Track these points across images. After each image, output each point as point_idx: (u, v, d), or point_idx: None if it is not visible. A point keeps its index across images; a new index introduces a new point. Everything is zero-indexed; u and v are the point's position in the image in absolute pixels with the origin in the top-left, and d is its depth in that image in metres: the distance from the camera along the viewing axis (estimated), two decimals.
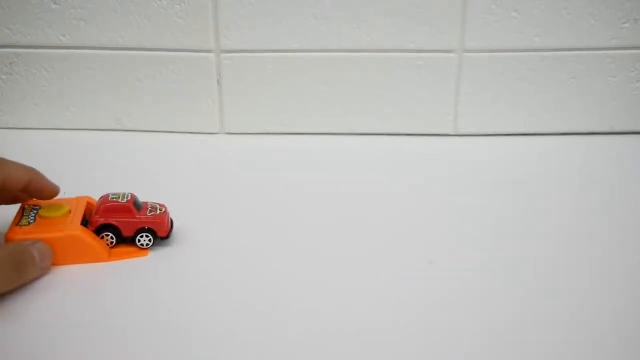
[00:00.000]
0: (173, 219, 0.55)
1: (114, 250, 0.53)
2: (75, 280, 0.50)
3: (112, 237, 0.53)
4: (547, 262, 0.52)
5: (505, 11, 0.69)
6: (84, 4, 0.71)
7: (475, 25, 0.70)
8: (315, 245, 0.55)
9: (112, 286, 0.50)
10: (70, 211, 0.53)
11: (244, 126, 0.75)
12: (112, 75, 0.73)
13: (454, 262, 0.52)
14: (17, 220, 0.52)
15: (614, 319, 0.46)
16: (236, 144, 0.74)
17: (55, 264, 0.51)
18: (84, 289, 0.49)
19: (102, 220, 0.52)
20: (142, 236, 0.53)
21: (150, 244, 0.53)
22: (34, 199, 0.54)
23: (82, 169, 0.68)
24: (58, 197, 0.54)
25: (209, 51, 0.72)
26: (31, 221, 0.52)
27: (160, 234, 0.53)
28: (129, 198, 0.53)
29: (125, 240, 0.53)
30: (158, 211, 0.54)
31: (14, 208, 0.54)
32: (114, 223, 0.52)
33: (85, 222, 0.53)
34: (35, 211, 0.53)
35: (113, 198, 0.53)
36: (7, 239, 0.51)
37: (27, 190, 0.52)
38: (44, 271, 0.50)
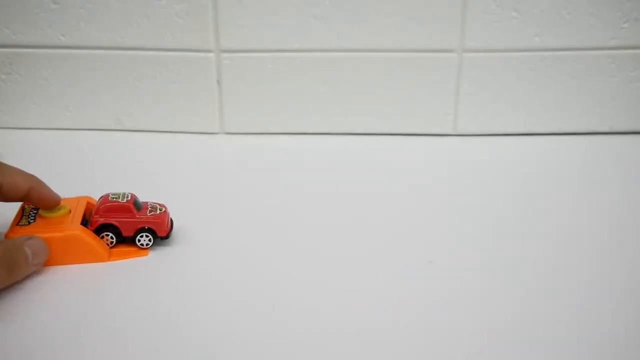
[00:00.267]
0: (173, 219, 0.55)
1: (114, 250, 0.53)
2: (75, 280, 0.50)
3: (112, 237, 0.53)
4: (547, 262, 0.52)
5: (505, 11, 0.69)
6: (84, 4, 0.71)
7: (475, 25, 0.70)
8: (315, 245, 0.55)
9: (112, 286, 0.50)
10: (70, 211, 0.53)
11: (244, 126, 0.75)
12: (112, 75, 0.73)
13: (454, 262, 0.52)
14: (17, 220, 0.52)
15: (614, 319, 0.46)
16: (236, 144, 0.74)
17: (55, 263, 0.51)
18: (84, 289, 0.49)
19: (102, 220, 0.52)
20: (142, 236, 0.53)
21: (150, 244, 0.53)
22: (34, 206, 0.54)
23: (82, 169, 0.68)
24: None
25: (209, 51, 0.72)
26: (31, 221, 0.52)
27: (160, 234, 0.53)
28: (129, 198, 0.53)
29: (125, 240, 0.53)
30: (158, 211, 0.54)
31: (14, 208, 0.54)
32: (114, 223, 0.52)
33: (85, 222, 0.53)
34: (35, 211, 0.53)
35: (113, 198, 0.53)
36: (7, 239, 0.51)
37: (26, 199, 0.52)
38: (37, 268, 0.50)
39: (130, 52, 0.72)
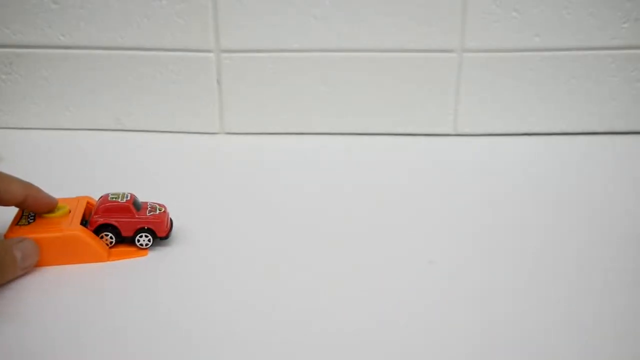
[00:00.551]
0: (173, 219, 0.55)
1: (113, 250, 0.53)
2: (74, 280, 0.50)
3: (111, 237, 0.53)
4: (547, 262, 0.52)
5: (505, 11, 0.69)
6: (84, 4, 0.71)
7: (475, 25, 0.70)
8: (315, 245, 0.55)
9: (111, 286, 0.50)
10: (70, 211, 0.53)
11: (244, 126, 0.75)
12: (112, 75, 0.73)
13: (454, 262, 0.52)
14: (17, 220, 0.52)
15: (614, 319, 0.46)
16: (236, 144, 0.74)
17: (54, 264, 0.51)
18: (84, 289, 0.49)
19: (101, 220, 0.52)
20: (141, 236, 0.53)
21: (150, 244, 0.53)
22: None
23: (82, 169, 0.68)
24: (58, 196, 0.54)
25: (209, 51, 0.72)
26: (31, 221, 0.52)
27: (160, 234, 0.53)
28: (129, 198, 0.53)
29: (124, 240, 0.53)
30: (157, 211, 0.54)
31: (14, 208, 0.54)
32: (114, 223, 0.52)
33: (85, 222, 0.53)
34: None
35: (113, 198, 0.53)
36: (6, 239, 0.51)
37: (23, 206, 0.52)
38: (26, 271, 0.50)
39: (130, 52, 0.72)
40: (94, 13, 0.71)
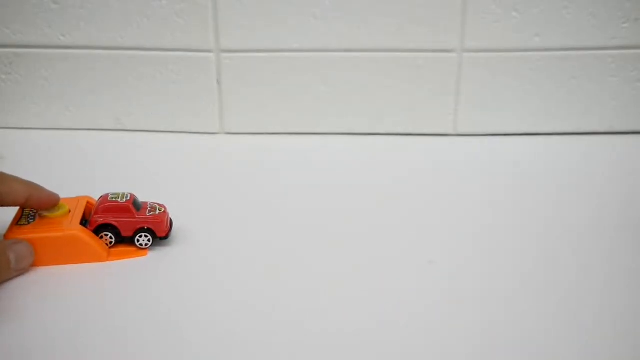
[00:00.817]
0: (173, 219, 0.55)
1: (113, 250, 0.53)
2: (74, 280, 0.50)
3: (111, 237, 0.53)
4: (547, 262, 0.52)
5: (505, 11, 0.69)
6: (84, 4, 0.71)
7: (475, 25, 0.70)
8: (315, 245, 0.55)
9: (110, 286, 0.50)
10: (70, 211, 0.53)
11: (244, 126, 0.75)
12: (112, 75, 0.73)
13: (454, 262, 0.52)
14: (17, 220, 0.52)
15: (614, 319, 0.46)
16: (236, 144, 0.74)
17: (54, 263, 0.51)
18: (83, 289, 0.49)
19: (101, 220, 0.52)
20: (141, 236, 0.53)
21: (149, 244, 0.53)
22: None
23: (82, 169, 0.68)
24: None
25: (209, 51, 0.72)
26: (31, 221, 0.52)
27: (159, 234, 0.53)
28: (129, 198, 0.53)
29: (124, 240, 0.53)
30: (157, 211, 0.54)
31: (14, 207, 0.54)
32: (113, 223, 0.52)
33: (85, 222, 0.53)
34: (34, 211, 0.53)
35: (112, 198, 0.53)
36: (6, 239, 0.51)
37: (26, 205, 0.52)
38: (20, 272, 0.50)
39: (130, 52, 0.72)
40: (94, 13, 0.71)
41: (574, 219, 0.58)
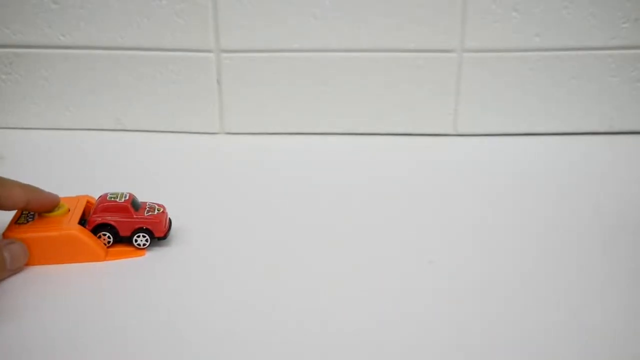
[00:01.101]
0: (172, 219, 0.55)
1: (111, 249, 0.53)
2: (71, 280, 0.50)
3: (109, 237, 0.53)
4: (547, 262, 0.52)
5: (505, 11, 0.69)
6: (84, 4, 0.71)
7: (475, 25, 0.70)
8: (315, 246, 0.55)
9: (108, 286, 0.49)
10: (69, 210, 0.53)
11: (244, 126, 0.75)
12: (112, 75, 0.73)
13: (454, 261, 0.52)
14: (16, 219, 0.52)
15: (614, 318, 0.46)
16: (236, 144, 0.74)
17: (52, 262, 0.51)
18: (81, 288, 0.49)
19: (99, 220, 0.52)
20: (139, 236, 0.53)
21: (147, 244, 0.53)
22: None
23: (82, 169, 0.68)
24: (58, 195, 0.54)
25: (209, 51, 0.72)
26: (30, 220, 0.52)
27: (157, 234, 0.53)
28: (127, 198, 0.53)
29: (122, 240, 0.53)
30: (156, 211, 0.54)
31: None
32: (111, 222, 0.52)
33: (84, 221, 0.53)
34: None
35: (111, 198, 0.53)
36: (4, 238, 0.51)
37: (26, 209, 0.52)
38: (14, 272, 0.50)
39: (130, 52, 0.72)
40: (94, 13, 0.71)
41: (574, 219, 0.58)
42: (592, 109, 0.73)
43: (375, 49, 0.71)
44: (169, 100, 0.74)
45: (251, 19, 0.70)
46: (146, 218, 0.53)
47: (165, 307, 0.47)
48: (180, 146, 0.73)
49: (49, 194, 0.53)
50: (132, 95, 0.74)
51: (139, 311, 0.47)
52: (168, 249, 0.54)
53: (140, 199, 0.55)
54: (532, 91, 0.72)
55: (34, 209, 0.52)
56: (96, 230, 0.52)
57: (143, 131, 0.75)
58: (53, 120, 0.75)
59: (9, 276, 0.50)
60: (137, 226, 0.53)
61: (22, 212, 0.53)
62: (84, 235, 0.51)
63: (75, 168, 0.68)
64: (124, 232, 0.53)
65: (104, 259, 0.52)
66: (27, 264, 0.51)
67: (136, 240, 0.53)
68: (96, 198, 0.54)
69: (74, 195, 0.56)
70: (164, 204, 0.55)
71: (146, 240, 0.53)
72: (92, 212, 0.53)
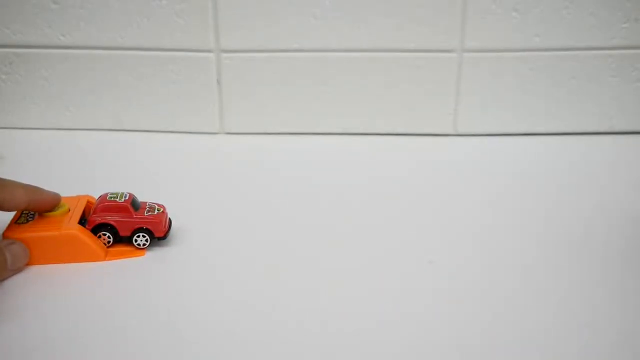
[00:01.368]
0: (172, 219, 0.55)
1: (110, 249, 0.53)
2: (71, 279, 0.50)
3: (109, 237, 0.53)
4: (547, 262, 0.52)
5: (505, 11, 0.69)
6: (84, 4, 0.71)
7: (475, 25, 0.70)
8: (315, 245, 0.55)
9: (108, 285, 0.49)
10: (69, 210, 0.53)
11: (244, 126, 0.75)
12: (112, 75, 0.73)
13: (454, 261, 0.52)
14: (16, 219, 0.52)
15: (614, 319, 0.46)
16: (236, 144, 0.74)
17: (51, 262, 0.51)
18: (80, 288, 0.49)
19: (99, 220, 0.52)
20: (138, 236, 0.53)
21: (147, 244, 0.53)
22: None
23: (82, 169, 0.68)
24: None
25: (209, 51, 0.72)
26: (30, 219, 0.52)
27: (157, 234, 0.53)
28: (127, 198, 0.53)
29: (122, 239, 0.53)
30: (156, 211, 0.54)
31: None
32: (111, 222, 0.52)
33: (84, 221, 0.53)
34: None
35: (111, 198, 0.53)
36: (4, 237, 0.51)
37: (28, 209, 0.52)
38: (15, 272, 0.50)
39: (130, 52, 0.72)
40: (94, 13, 0.71)
41: (574, 219, 0.58)
42: (592, 109, 0.73)
43: (375, 49, 0.71)
44: (169, 100, 0.74)
45: (251, 19, 0.70)
46: (146, 218, 0.53)
47: (165, 307, 0.47)
48: (180, 146, 0.73)
49: (50, 193, 0.53)
50: (132, 95, 0.74)
51: (139, 311, 0.47)
52: (168, 249, 0.54)
53: (140, 199, 0.55)
54: (532, 91, 0.72)
55: (35, 209, 0.52)
56: (96, 230, 0.52)
57: (143, 131, 0.75)
58: (53, 120, 0.75)
59: (10, 276, 0.50)
60: (137, 226, 0.53)
61: (22, 211, 0.53)
62: (84, 235, 0.51)
63: (75, 168, 0.68)
64: (123, 232, 0.53)
65: (104, 259, 0.52)
66: (27, 264, 0.51)
67: (136, 240, 0.53)
68: (96, 198, 0.54)
69: (74, 195, 0.56)
70: (164, 204, 0.55)
71: (146, 240, 0.53)
72: (92, 212, 0.53)
